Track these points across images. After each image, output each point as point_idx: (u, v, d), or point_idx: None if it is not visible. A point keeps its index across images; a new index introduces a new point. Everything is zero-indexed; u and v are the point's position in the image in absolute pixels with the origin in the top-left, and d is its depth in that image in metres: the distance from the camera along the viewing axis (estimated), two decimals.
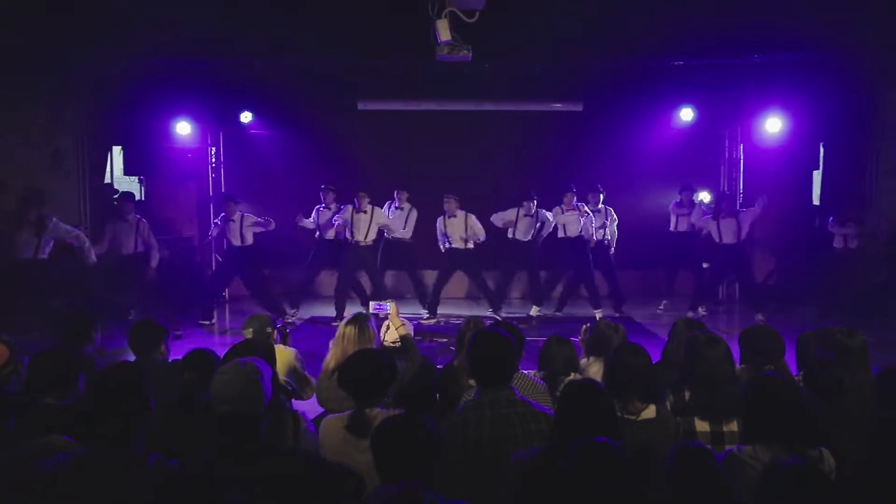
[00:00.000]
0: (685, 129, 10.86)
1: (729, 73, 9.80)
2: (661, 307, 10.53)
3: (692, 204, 10.56)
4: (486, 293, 10.13)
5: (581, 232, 9.87)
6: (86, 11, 7.23)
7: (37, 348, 3.91)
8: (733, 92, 10.14)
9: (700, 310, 9.72)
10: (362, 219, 9.63)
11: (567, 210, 9.84)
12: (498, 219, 10.04)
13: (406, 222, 10.26)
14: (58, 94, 9.24)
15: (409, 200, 10.37)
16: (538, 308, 10.13)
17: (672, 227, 10.55)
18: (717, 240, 9.59)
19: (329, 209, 9.85)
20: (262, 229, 9.53)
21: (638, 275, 11.42)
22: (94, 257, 8.51)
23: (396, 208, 10.27)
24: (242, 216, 9.53)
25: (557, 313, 10.14)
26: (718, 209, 9.65)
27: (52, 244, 8.38)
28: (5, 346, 4.07)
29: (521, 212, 9.93)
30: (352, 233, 9.70)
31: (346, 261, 9.82)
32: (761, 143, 10.77)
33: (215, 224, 9.91)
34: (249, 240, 9.54)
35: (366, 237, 9.67)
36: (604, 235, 10.18)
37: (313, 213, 9.98)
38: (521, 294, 11.44)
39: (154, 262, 9.15)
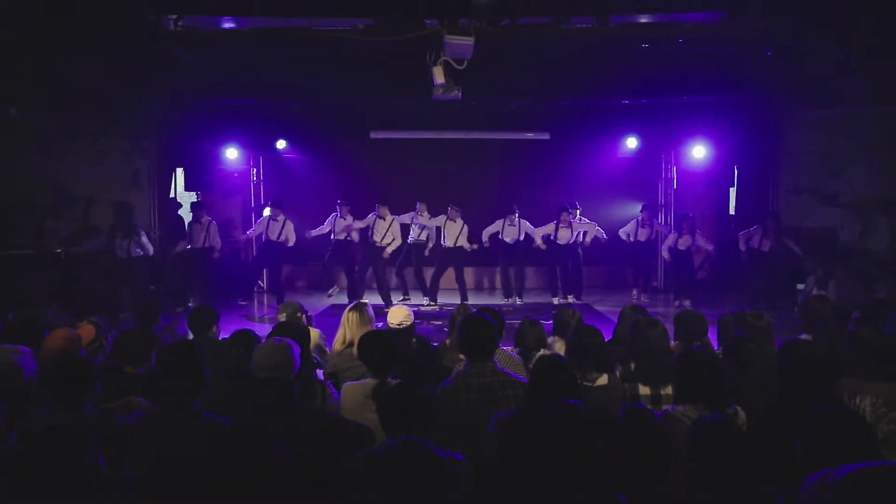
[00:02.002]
0: (630, 154, 10.84)
1: (664, 111, 9.80)
2: (634, 297, 10.30)
3: (652, 220, 10.43)
4: (460, 285, 9.87)
5: (572, 240, 9.86)
6: (157, 62, 7.22)
7: (120, 328, 3.91)
8: (668, 125, 10.12)
9: (686, 302, 9.41)
10: (382, 224, 9.54)
11: (563, 227, 9.76)
12: (485, 233, 9.99)
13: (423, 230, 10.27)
14: (137, 128, 9.35)
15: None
16: (519, 298, 10.03)
17: (633, 238, 10.29)
18: (677, 246, 9.78)
19: (344, 219, 9.67)
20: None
21: (594, 270, 11.32)
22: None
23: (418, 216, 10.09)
24: (285, 220, 9.73)
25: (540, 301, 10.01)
26: (681, 228, 9.81)
27: (132, 247, 8.82)
28: (93, 326, 4.07)
29: (506, 222, 9.88)
30: (372, 234, 9.54)
31: (365, 257, 9.69)
32: (689, 165, 10.79)
33: (258, 223, 10.18)
34: (283, 238, 9.71)
35: (382, 239, 9.53)
36: (580, 239, 10.05)
37: (329, 219, 9.76)
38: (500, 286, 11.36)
39: (215, 255, 9.70)
